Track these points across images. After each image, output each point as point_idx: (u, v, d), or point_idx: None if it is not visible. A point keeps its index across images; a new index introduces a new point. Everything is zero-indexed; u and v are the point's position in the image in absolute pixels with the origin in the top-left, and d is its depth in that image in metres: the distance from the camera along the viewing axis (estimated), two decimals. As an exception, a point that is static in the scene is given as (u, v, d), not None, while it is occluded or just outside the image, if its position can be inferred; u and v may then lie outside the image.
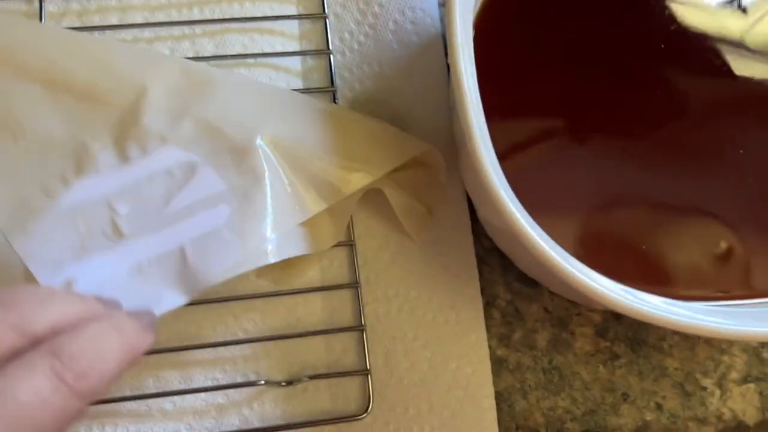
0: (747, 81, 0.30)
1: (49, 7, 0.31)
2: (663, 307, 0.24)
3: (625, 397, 0.30)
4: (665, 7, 0.31)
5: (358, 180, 0.28)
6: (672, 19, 0.31)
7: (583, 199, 0.28)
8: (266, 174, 0.26)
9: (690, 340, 0.30)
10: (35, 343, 0.18)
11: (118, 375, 0.20)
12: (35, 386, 0.17)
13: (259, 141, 0.26)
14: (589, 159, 0.29)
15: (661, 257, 0.27)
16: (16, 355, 0.18)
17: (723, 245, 0.27)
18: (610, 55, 0.30)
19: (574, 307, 0.30)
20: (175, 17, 0.32)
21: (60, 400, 0.18)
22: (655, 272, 0.27)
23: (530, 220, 0.24)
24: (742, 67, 0.30)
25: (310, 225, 0.27)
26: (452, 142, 0.31)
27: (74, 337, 0.19)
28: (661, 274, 0.27)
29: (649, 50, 0.30)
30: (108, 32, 0.31)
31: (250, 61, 0.32)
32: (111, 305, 0.23)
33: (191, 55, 0.31)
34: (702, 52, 0.30)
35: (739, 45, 0.31)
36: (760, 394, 0.30)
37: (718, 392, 0.30)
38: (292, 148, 0.27)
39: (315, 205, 0.27)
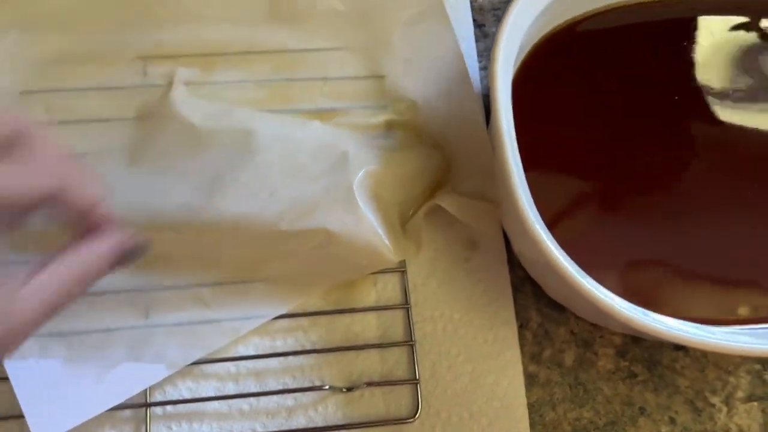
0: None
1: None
2: (669, 324, 0.28)
3: (642, 410, 0.34)
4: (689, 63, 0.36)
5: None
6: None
7: (615, 245, 0.33)
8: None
9: (700, 363, 0.34)
10: None
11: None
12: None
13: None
14: (618, 212, 0.33)
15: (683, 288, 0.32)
16: None
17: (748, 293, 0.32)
18: (639, 115, 0.35)
19: (597, 330, 0.35)
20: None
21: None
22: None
23: (562, 251, 0.29)
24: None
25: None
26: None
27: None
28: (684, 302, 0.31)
29: (676, 108, 0.35)
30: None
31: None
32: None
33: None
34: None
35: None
36: (763, 411, 0.34)
37: (725, 409, 0.34)
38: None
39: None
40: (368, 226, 0.33)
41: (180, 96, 0.36)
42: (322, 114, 0.37)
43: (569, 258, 0.29)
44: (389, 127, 0.37)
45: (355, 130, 0.36)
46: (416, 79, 0.37)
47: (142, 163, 0.35)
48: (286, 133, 0.35)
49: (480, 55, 0.39)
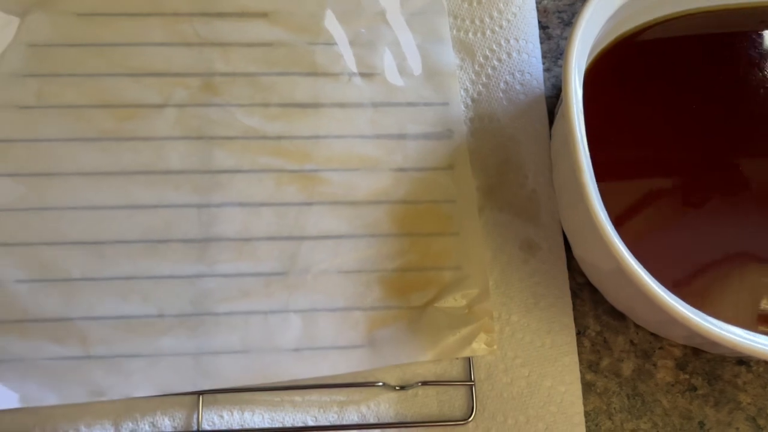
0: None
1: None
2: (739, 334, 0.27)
3: (701, 425, 0.33)
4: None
5: None
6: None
7: (685, 247, 0.32)
8: None
9: (763, 379, 0.33)
10: None
11: None
12: None
13: None
14: (685, 219, 0.33)
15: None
16: None
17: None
18: (707, 123, 0.34)
19: (657, 341, 0.34)
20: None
21: None
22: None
23: (634, 258, 0.28)
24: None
25: None
26: (550, 186, 0.36)
27: None
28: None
29: (749, 119, 0.34)
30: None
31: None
32: None
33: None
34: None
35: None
36: (828, 433, 0.33)
37: (788, 428, 0.33)
38: None
39: None
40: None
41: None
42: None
43: (640, 264, 0.28)
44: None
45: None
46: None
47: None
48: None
49: (543, 56, 0.39)
